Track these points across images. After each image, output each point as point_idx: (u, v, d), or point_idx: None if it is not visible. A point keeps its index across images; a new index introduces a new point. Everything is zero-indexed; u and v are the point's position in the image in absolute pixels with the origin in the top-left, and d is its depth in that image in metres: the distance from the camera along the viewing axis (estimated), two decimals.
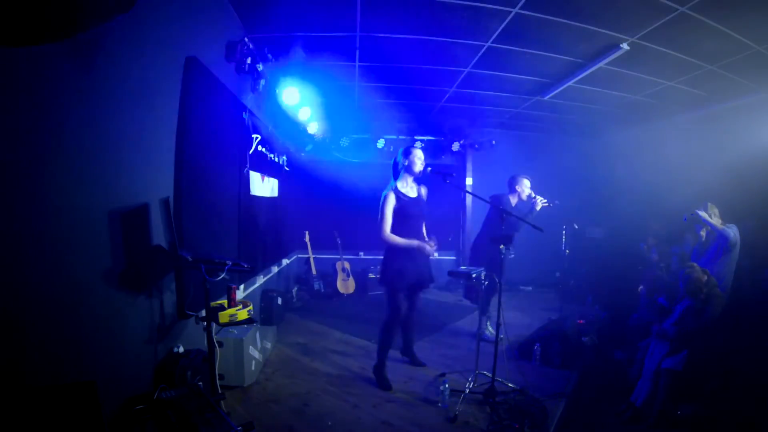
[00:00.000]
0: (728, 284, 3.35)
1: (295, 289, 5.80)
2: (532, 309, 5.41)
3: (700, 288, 2.78)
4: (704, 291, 2.77)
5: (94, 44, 1.59)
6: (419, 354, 3.44)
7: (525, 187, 4.00)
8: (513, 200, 4.01)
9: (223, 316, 2.36)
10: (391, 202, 2.91)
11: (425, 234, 3.12)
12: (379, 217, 2.91)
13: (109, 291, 1.76)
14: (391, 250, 2.97)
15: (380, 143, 6.26)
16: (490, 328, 3.99)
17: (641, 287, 4.40)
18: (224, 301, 2.44)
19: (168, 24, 2.16)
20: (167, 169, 2.26)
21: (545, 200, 3.94)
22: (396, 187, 2.97)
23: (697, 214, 3.57)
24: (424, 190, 3.13)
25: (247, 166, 3.58)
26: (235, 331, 2.90)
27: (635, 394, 2.69)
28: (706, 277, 2.83)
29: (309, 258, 6.17)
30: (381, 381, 3.01)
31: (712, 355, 2.60)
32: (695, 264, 2.99)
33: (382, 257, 3.06)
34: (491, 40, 3.55)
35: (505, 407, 2.64)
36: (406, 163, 2.97)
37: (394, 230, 2.90)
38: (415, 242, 2.91)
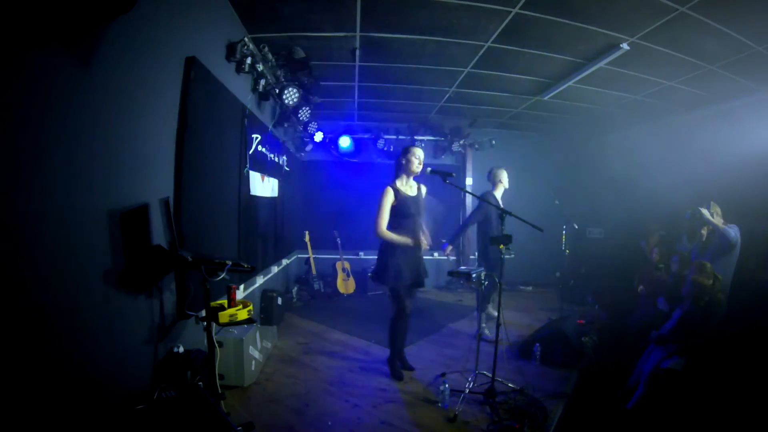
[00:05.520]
0: (728, 284, 3.36)
1: (295, 289, 5.80)
2: (532, 309, 5.41)
3: (703, 294, 2.75)
4: (706, 298, 2.74)
5: (94, 44, 1.59)
6: (420, 353, 3.44)
7: (502, 176, 4.17)
8: (497, 193, 4.15)
9: (223, 316, 2.36)
10: (388, 198, 2.92)
11: (424, 231, 3.12)
12: (376, 212, 2.92)
13: (109, 291, 1.76)
14: (387, 247, 2.98)
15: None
16: (486, 330, 3.99)
17: (641, 287, 4.40)
18: (224, 301, 2.44)
19: (168, 24, 2.16)
20: (167, 169, 2.26)
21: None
22: (394, 184, 2.98)
23: (700, 211, 3.59)
24: (423, 189, 3.14)
25: (247, 166, 3.58)
26: (235, 331, 2.90)
27: (627, 396, 2.70)
28: (711, 282, 2.77)
29: (309, 258, 6.17)
30: (393, 371, 3.13)
31: (711, 356, 2.60)
32: (707, 264, 2.91)
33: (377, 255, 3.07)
34: (491, 40, 3.55)
35: (505, 407, 2.64)
36: (404, 162, 2.99)
37: (390, 227, 2.92)
38: (409, 239, 2.91)
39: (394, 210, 2.93)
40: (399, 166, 3.02)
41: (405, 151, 3.01)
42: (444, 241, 4.06)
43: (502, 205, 3.90)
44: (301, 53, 3.74)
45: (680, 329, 2.78)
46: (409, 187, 3.04)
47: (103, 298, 1.73)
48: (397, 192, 2.95)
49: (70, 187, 1.52)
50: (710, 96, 4.63)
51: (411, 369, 3.27)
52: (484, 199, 3.51)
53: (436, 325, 4.58)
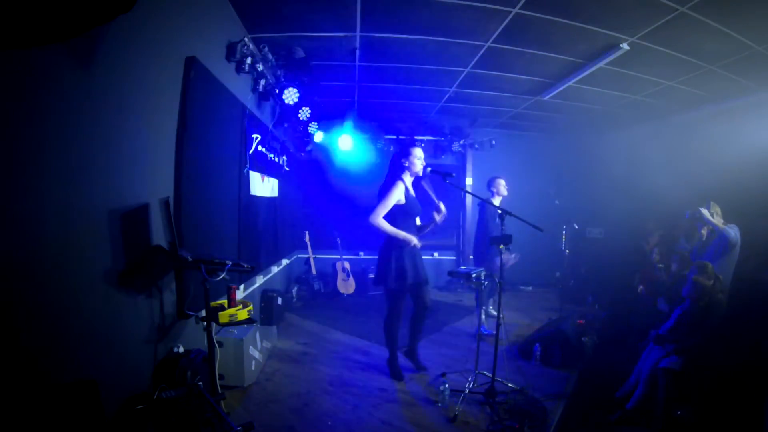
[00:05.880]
0: (727, 284, 3.35)
1: (295, 289, 5.79)
2: (532, 309, 5.41)
3: (703, 294, 2.74)
4: (706, 298, 2.73)
5: (94, 44, 1.59)
6: (420, 353, 3.42)
7: (501, 186, 4.32)
8: (495, 201, 4.28)
9: (223, 316, 2.36)
10: (399, 192, 2.90)
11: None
12: (379, 201, 2.87)
13: (109, 291, 1.76)
14: (388, 248, 2.97)
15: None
16: (485, 325, 4.01)
17: (641, 287, 4.40)
18: (224, 301, 2.44)
19: (168, 24, 2.16)
20: (167, 169, 2.26)
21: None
22: (405, 182, 2.97)
23: (700, 211, 3.58)
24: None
25: (247, 166, 3.58)
26: (235, 331, 2.90)
27: (626, 395, 2.70)
28: (711, 283, 2.75)
29: (309, 258, 6.17)
30: (393, 371, 3.13)
31: (710, 356, 2.59)
32: (709, 264, 2.89)
33: (377, 256, 3.07)
34: (491, 40, 3.55)
35: (505, 407, 2.64)
36: (407, 164, 2.97)
37: (393, 225, 2.90)
38: (402, 233, 2.88)
39: (402, 209, 2.92)
40: (399, 166, 3.00)
41: (406, 152, 2.98)
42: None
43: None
44: (301, 53, 3.74)
45: (679, 329, 2.78)
46: (411, 188, 3.04)
47: (103, 298, 1.73)
48: (407, 190, 2.95)
49: (70, 187, 1.52)
50: (710, 96, 4.63)
51: (423, 368, 3.25)
52: (488, 202, 3.55)
53: (436, 324, 4.57)
